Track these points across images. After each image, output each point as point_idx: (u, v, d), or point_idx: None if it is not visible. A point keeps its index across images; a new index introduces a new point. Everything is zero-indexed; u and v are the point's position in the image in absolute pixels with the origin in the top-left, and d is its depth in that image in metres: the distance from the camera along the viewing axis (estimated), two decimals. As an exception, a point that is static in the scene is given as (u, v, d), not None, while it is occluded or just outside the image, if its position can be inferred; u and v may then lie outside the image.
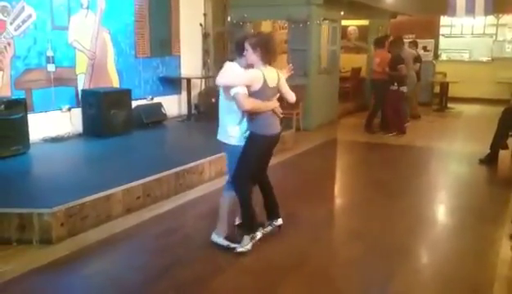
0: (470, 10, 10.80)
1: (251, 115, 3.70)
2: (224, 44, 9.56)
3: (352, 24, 13.34)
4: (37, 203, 4.13)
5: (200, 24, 9.03)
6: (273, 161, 6.98)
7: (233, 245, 3.85)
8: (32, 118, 6.10)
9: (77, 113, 6.93)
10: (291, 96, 4.02)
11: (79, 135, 6.90)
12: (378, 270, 3.62)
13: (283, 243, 4.06)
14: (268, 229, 4.06)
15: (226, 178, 4.11)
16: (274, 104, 3.81)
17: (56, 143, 6.46)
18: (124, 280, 3.48)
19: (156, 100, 8.17)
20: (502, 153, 6.64)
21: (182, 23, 8.67)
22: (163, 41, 8.36)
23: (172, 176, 5.18)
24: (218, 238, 3.95)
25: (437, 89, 12.25)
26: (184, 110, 8.66)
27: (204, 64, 9.10)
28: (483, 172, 6.57)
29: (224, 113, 3.89)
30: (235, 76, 3.67)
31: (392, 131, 8.72)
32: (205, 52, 9.10)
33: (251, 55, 3.69)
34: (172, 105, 8.60)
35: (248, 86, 3.61)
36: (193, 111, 8.62)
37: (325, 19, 9.39)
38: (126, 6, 7.62)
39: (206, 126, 8.17)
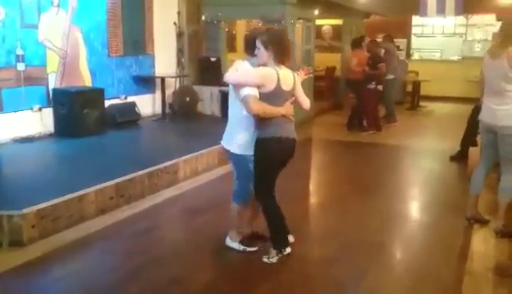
0: (441, 10, 11.03)
1: (260, 121, 3.36)
2: (198, 43, 9.52)
3: (327, 23, 13.45)
4: (7, 205, 4.03)
5: (174, 23, 8.97)
6: (248, 160, 7.08)
7: (249, 249, 3.75)
8: (1, 118, 5.98)
9: (48, 112, 6.80)
10: (306, 103, 3.63)
11: (50, 135, 6.77)
12: (352, 267, 3.66)
13: (259, 241, 4.08)
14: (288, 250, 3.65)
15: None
16: (286, 109, 3.41)
17: (27, 143, 6.32)
18: (98, 281, 3.44)
19: (130, 99, 8.07)
20: (472, 149, 6.80)
21: (156, 21, 8.60)
22: (136, 39, 8.28)
23: (145, 176, 5.13)
24: (233, 243, 3.80)
25: (409, 88, 12.46)
26: (158, 109, 8.59)
27: (179, 63, 9.04)
28: (454, 169, 6.72)
29: (231, 117, 3.59)
30: (246, 74, 3.36)
31: (370, 129, 8.83)
32: (179, 51, 9.05)
33: (263, 53, 3.34)
34: (147, 105, 8.52)
35: (259, 87, 3.28)
36: (167, 110, 8.56)
37: (299, 18, 9.45)
38: (98, 5, 7.51)
39: (181, 125, 8.16)
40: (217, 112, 8.93)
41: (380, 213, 4.82)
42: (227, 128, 3.65)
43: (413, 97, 12.15)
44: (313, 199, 5.77)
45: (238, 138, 3.51)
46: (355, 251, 3.95)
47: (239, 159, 3.56)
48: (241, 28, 11.62)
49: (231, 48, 10.88)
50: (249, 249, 3.76)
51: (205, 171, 6.06)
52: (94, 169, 5.23)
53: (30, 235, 3.90)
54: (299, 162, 7.14)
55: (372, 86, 8.58)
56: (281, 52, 3.35)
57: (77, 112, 6.63)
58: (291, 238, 3.73)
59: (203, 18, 9.41)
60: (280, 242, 3.60)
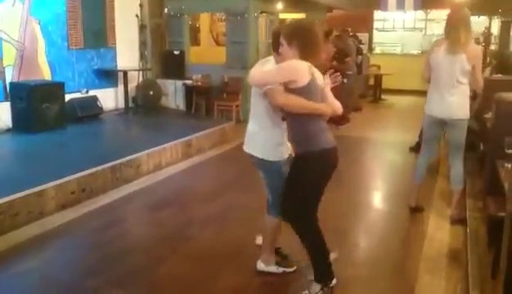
0: (401, 5, 11.28)
1: (301, 130, 2.85)
2: (162, 36, 9.42)
3: (290, 17, 13.53)
4: (-39, 202, 3.92)
5: (136, 16, 8.84)
6: (213, 153, 7.09)
7: (288, 269, 3.35)
8: (-45, 113, 5.78)
9: (5, 107, 6.61)
10: (338, 105, 3.09)
11: (8, 130, 6.59)
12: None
13: (223, 231, 4.12)
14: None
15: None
16: (327, 107, 2.88)
17: (-17, 139, 6.15)
18: (59, 276, 3.39)
19: (92, 93, 7.92)
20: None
21: (117, 14, 8.45)
22: (97, 32, 8.12)
23: (108, 170, 5.07)
24: (268, 267, 3.35)
25: (371, 81, 12.70)
26: (121, 103, 8.47)
27: (141, 56, 8.93)
28: (413, 159, 6.84)
29: (253, 117, 3.09)
30: (272, 72, 2.85)
31: (342, 123, 8.90)
32: (142, 44, 8.93)
33: (286, 51, 2.82)
34: (109, 98, 8.39)
35: (290, 83, 2.75)
36: (131, 104, 8.46)
37: (262, 12, 9.49)
38: (56, -4, 7.34)
39: (144, 119, 8.08)
40: (181, 105, 8.89)
41: (341, 203, 4.91)
42: (248, 130, 3.16)
43: (375, 90, 12.40)
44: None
45: (259, 140, 3.05)
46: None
47: (265, 165, 3.06)
48: (205, 22, 11.58)
49: (195, 41, 10.82)
50: (288, 270, 3.35)
51: (169, 165, 6.03)
52: (54, 164, 5.12)
53: (-13, 232, 3.81)
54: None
55: (339, 79, 8.63)
56: (308, 48, 2.80)
57: (36, 106, 6.47)
58: (333, 255, 3.12)
59: (165, 11, 9.33)
60: (324, 275, 3.00)
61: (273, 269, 3.34)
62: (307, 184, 2.92)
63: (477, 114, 5.96)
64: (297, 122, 2.86)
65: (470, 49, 4.02)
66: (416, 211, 4.56)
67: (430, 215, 4.52)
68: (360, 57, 10.77)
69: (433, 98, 4.30)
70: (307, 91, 2.76)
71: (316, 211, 3.03)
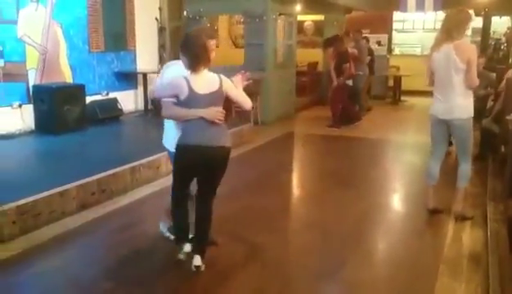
0: (420, 6, 11.15)
1: (181, 125, 3.33)
2: (180, 39, 9.50)
3: (308, 18, 13.51)
4: (-14, 201, 4.01)
5: (156, 19, 8.94)
6: (231, 155, 7.08)
7: (173, 237, 3.74)
8: (-20, 115, 5.92)
9: (28, 109, 6.75)
10: (246, 103, 3.45)
11: (31, 131, 6.73)
12: (331, 257, 3.73)
13: (240, 234, 4.12)
14: (181, 256, 3.53)
15: None
16: (207, 112, 3.20)
17: (7, 140, 6.27)
18: (80, 276, 3.45)
19: (112, 95, 8.04)
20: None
21: (137, 17, 8.58)
22: (117, 35, 8.25)
23: (127, 171, 5.13)
24: (163, 228, 3.91)
25: (390, 82, 12.58)
26: (141, 105, 8.58)
27: (161, 58, 9.02)
28: (433, 161, 6.82)
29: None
30: (163, 89, 3.37)
31: (335, 126, 8.87)
32: (161, 47, 9.03)
33: (182, 58, 3.29)
34: (129, 100, 8.50)
35: (174, 96, 3.25)
36: (150, 106, 8.54)
37: (281, 13, 9.49)
38: (78, 0, 7.46)
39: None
40: (199, 107, 8.93)
41: (362, 204, 4.90)
42: (164, 126, 3.76)
43: (394, 92, 12.29)
44: (295, 191, 5.83)
45: (167, 135, 3.69)
46: (336, 241, 4.02)
47: (171, 156, 3.58)
48: (223, 24, 11.64)
49: (214, 44, 10.86)
50: (172, 237, 3.72)
51: (188, 166, 6.07)
52: (75, 165, 5.21)
53: (11, 231, 3.89)
54: (282, 156, 7.24)
55: (340, 81, 8.60)
56: (190, 58, 3.21)
57: (58, 108, 6.59)
58: (187, 247, 3.54)
59: (184, 13, 9.41)
60: (176, 238, 3.61)
61: (164, 230, 3.89)
62: (174, 166, 3.43)
63: (497, 116, 5.89)
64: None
65: (460, 46, 4.06)
66: (435, 212, 4.51)
67: (450, 217, 4.47)
68: (368, 57, 10.64)
69: (437, 99, 4.37)
70: (187, 103, 3.19)
71: (184, 191, 3.45)
